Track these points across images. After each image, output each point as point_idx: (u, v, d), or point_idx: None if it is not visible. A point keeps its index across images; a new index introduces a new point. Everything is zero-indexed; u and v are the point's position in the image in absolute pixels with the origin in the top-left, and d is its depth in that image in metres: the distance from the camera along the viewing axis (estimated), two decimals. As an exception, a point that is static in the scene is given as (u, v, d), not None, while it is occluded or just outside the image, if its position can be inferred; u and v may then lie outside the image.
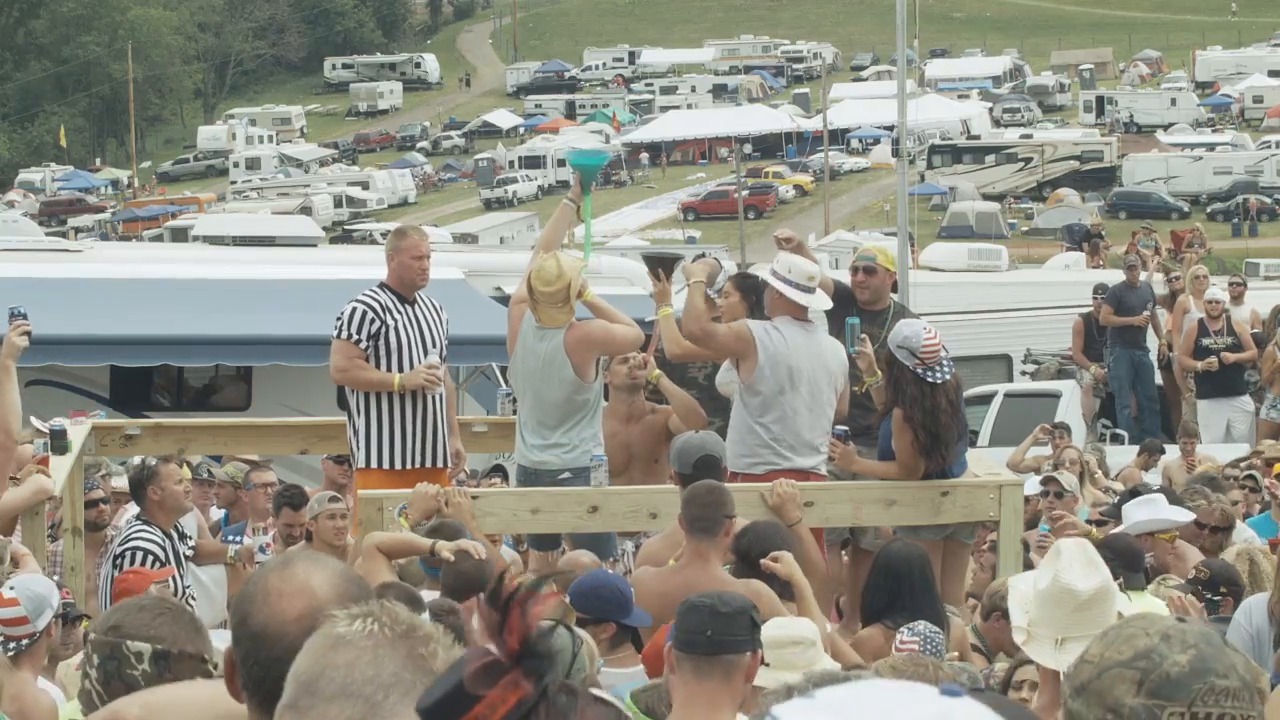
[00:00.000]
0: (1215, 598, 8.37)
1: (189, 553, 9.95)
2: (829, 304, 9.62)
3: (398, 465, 9.61)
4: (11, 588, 6.55)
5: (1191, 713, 2.61)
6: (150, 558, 9.42)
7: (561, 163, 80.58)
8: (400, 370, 9.60)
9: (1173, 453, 15.99)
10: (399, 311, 9.66)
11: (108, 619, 3.54)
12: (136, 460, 11.80)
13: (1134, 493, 10.44)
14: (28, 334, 8.72)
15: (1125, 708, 2.63)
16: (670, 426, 9.86)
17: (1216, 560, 9.17)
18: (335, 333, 9.66)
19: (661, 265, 10.21)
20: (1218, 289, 19.31)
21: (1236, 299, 19.17)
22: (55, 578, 8.45)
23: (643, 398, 10.18)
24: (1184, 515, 9.82)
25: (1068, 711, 2.71)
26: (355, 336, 9.57)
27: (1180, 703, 2.62)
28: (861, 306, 10.02)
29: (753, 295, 9.84)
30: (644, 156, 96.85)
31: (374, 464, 9.64)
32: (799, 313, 9.28)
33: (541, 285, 9.29)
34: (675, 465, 8.06)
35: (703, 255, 12.07)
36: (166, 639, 3.40)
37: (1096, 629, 3.69)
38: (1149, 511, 9.69)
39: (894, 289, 10.42)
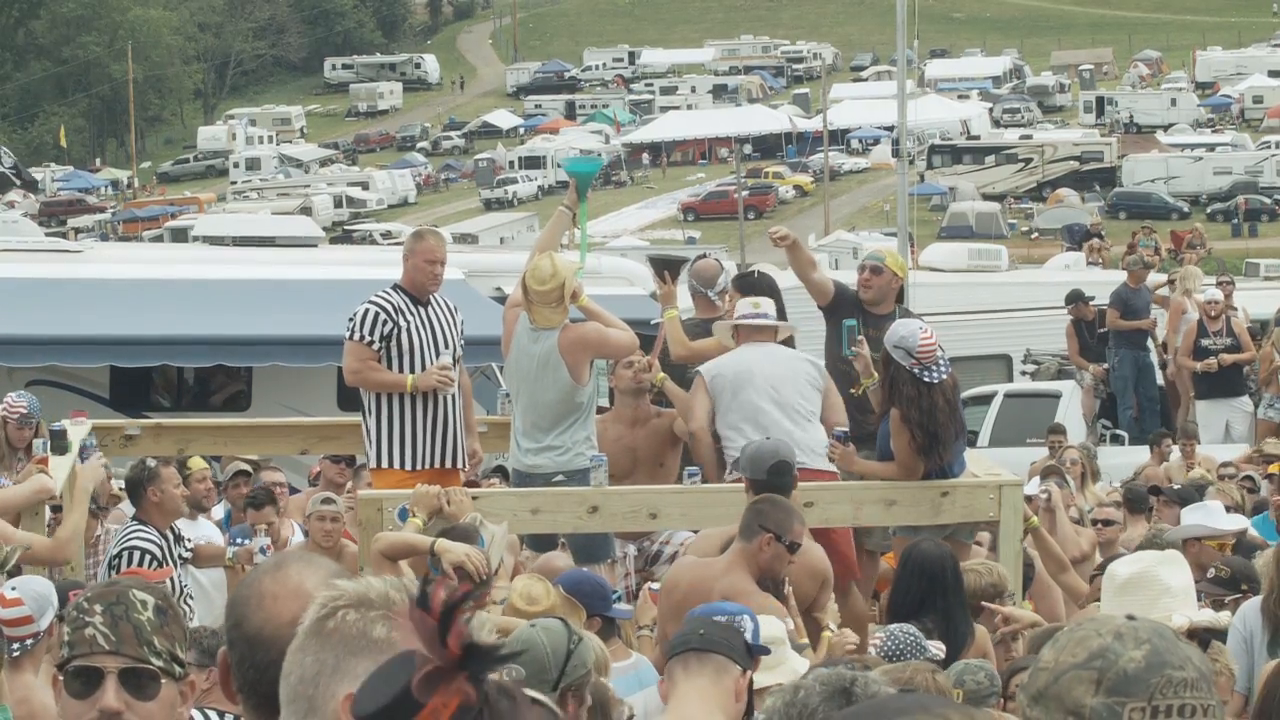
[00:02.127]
0: (1236, 595, 8.33)
1: (186, 555, 9.94)
2: (770, 315, 9.69)
3: (410, 466, 9.60)
4: (13, 588, 6.53)
5: (1153, 706, 2.59)
6: (148, 557, 9.41)
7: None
8: (413, 371, 9.60)
9: (1172, 453, 15.99)
10: (411, 313, 9.64)
11: (101, 584, 3.70)
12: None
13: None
14: (106, 465, 9.09)
15: (1086, 709, 2.61)
16: (675, 430, 9.85)
17: (1236, 558, 9.14)
18: (348, 334, 9.64)
19: (667, 267, 10.23)
20: (1214, 289, 19.31)
21: (1226, 299, 19.14)
22: (58, 577, 8.44)
23: (647, 401, 10.17)
24: (1237, 523, 9.82)
25: None
26: (368, 338, 9.55)
27: (1140, 698, 2.60)
28: (865, 307, 10.01)
29: (752, 294, 9.87)
30: (644, 157, 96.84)
31: (386, 464, 9.64)
32: (757, 336, 9.48)
33: (536, 284, 9.30)
34: (747, 472, 7.97)
35: (704, 256, 12.05)
36: (164, 599, 3.59)
37: (1140, 612, 3.69)
38: (1200, 518, 9.72)
39: (900, 297, 10.35)
